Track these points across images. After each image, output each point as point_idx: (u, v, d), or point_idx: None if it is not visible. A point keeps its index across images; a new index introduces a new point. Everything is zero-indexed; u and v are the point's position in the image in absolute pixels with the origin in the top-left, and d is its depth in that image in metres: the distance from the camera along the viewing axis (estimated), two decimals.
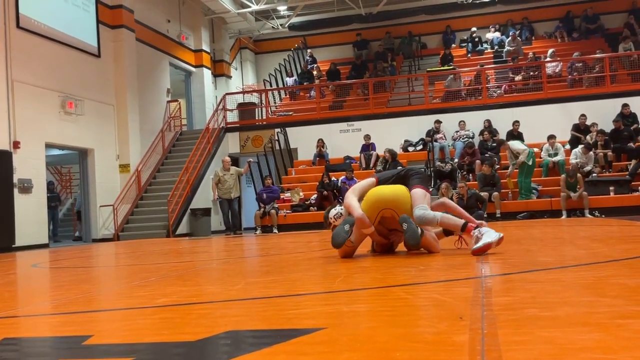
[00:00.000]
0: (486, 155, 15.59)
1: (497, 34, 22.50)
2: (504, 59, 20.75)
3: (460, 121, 16.94)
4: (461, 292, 2.67)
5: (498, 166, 15.18)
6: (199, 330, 2.12)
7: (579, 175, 13.54)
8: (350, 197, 4.72)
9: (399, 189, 4.70)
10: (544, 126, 15.80)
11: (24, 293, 4.20)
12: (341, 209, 4.86)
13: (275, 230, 14.59)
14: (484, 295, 2.49)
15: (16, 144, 13.00)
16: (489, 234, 4.35)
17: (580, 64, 18.03)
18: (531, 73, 18.44)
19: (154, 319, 2.49)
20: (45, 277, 5.49)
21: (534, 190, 14.27)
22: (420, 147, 17.20)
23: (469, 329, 1.85)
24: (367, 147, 17.01)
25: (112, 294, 3.70)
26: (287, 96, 22.43)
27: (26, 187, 13.18)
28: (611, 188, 13.72)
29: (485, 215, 13.19)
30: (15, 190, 12.86)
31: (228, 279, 3.97)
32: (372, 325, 2.06)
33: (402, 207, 4.57)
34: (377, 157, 16.52)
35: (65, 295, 3.46)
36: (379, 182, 4.87)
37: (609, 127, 15.53)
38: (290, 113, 20.30)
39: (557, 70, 18.57)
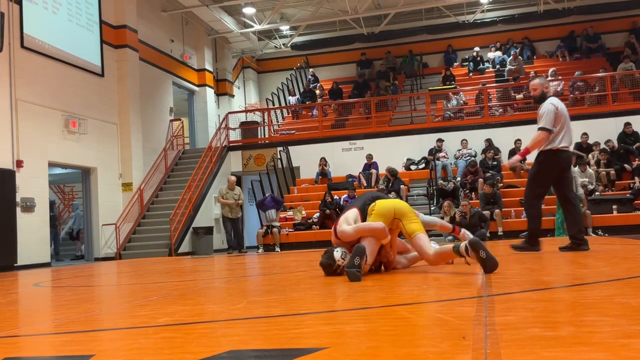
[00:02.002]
0: (487, 174, 15.61)
1: (499, 53, 22.63)
2: (506, 78, 20.84)
3: (463, 140, 16.98)
4: (464, 312, 2.66)
5: (501, 184, 15.20)
6: (201, 349, 2.11)
7: (582, 193, 13.54)
8: (348, 227, 4.76)
9: (397, 201, 5.11)
10: None
11: (25, 312, 4.19)
12: (342, 249, 4.74)
13: (278, 249, 14.57)
14: (486, 314, 2.48)
15: (19, 163, 13.03)
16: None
17: (582, 83, 18.10)
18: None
19: (155, 339, 2.49)
20: (47, 297, 5.48)
21: None
22: (423, 165, 17.24)
23: (472, 348, 1.84)
24: (369, 167, 17.04)
25: (113, 313, 3.68)
26: (290, 115, 22.54)
27: (29, 206, 13.19)
28: (614, 207, 13.71)
29: (488, 235, 13.17)
30: (18, 209, 12.87)
31: (230, 298, 3.96)
32: (375, 344, 2.05)
33: (407, 214, 4.82)
34: (378, 176, 16.54)
35: (67, 315, 3.45)
36: (360, 208, 4.97)
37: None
38: (293, 132, 20.37)
39: (558, 89, 18.63)
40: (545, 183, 6.52)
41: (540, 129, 6.19)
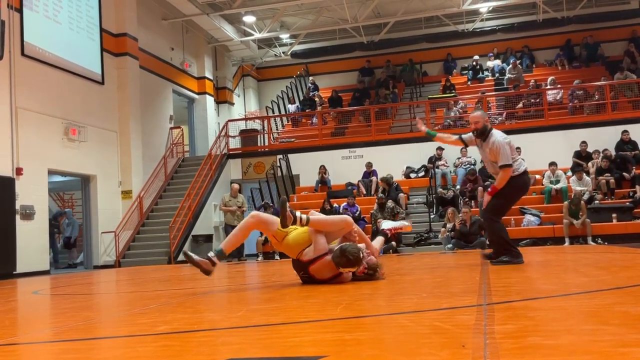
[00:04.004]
0: (487, 182, 15.60)
1: (498, 62, 22.68)
2: (505, 86, 20.88)
3: (462, 148, 16.97)
4: (463, 320, 2.66)
5: None
6: (200, 358, 2.10)
7: (582, 202, 13.55)
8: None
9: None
10: (546, 153, 15.84)
11: (24, 320, 4.18)
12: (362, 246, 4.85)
13: (277, 257, 14.55)
14: (486, 323, 2.48)
15: (19, 171, 13.03)
16: None
17: (581, 92, 18.14)
18: (532, 100, 18.54)
19: (154, 347, 2.48)
20: (45, 304, 5.47)
21: (536, 217, 14.27)
22: (422, 173, 17.25)
23: (472, 357, 1.84)
24: (369, 175, 17.04)
25: (112, 321, 3.68)
26: (290, 123, 22.56)
27: (28, 214, 13.18)
28: (613, 215, 13.71)
29: (487, 243, 13.15)
30: (17, 217, 12.86)
31: (229, 306, 3.95)
32: (374, 353, 2.04)
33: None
34: (377, 184, 16.54)
35: (66, 323, 3.45)
36: None
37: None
38: (293, 140, 20.38)
39: (558, 98, 18.67)
40: (513, 203, 6.82)
41: (503, 166, 6.33)
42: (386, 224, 6.13)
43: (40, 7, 14.20)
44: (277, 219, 4.93)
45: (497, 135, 6.47)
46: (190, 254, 5.01)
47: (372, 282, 4.77)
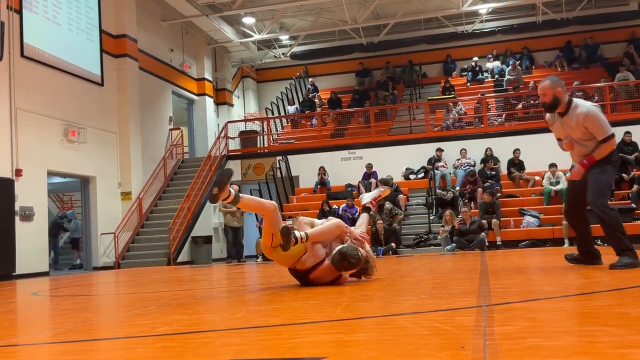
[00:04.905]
0: (486, 184, 15.63)
1: (497, 63, 22.70)
2: (505, 88, 20.89)
3: (462, 149, 17.00)
4: (463, 321, 2.66)
5: (500, 194, 15.22)
6: (200, 359, 2.10)
7: None
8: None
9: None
10: (545, 154, 15.81)
11: (23, 321, 4.18)
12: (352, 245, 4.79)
13: None
14: (485, 324, 2.48)
15: (18, 172, 13.03)
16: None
17: (581, 93, 18.14)
18: (532, 102, 18.55)
19: (154, 348, 2.48)
20: (45, 306, 5.47)
21: (536, 219, 14.28)
22: (422, 175, 17.26)
23: (471, 358, 1.84)
24: (369, 176, 17.04)
25: (112, 322, 3.68)
26: (289, 124, 22.57)
27: (27, 215, 13.18)
28: None
29: (487, 244, 13.16)
30: (17, 218, 12.85)
31: (229, 308, 3.95)
32: (374, 354, 2.04)
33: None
34: (377, 185, 16.54)
35: (65, 324, 3.44)
36: None
37: None
38: (292, 141, 20.39)
39: None
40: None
41: (605, 140, 5.13)
42: (365, 198, 5.84)
43: (40, 9, 14.21)
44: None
45: (582, 104, 5.23)
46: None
47: (371, 282, 4.76)
